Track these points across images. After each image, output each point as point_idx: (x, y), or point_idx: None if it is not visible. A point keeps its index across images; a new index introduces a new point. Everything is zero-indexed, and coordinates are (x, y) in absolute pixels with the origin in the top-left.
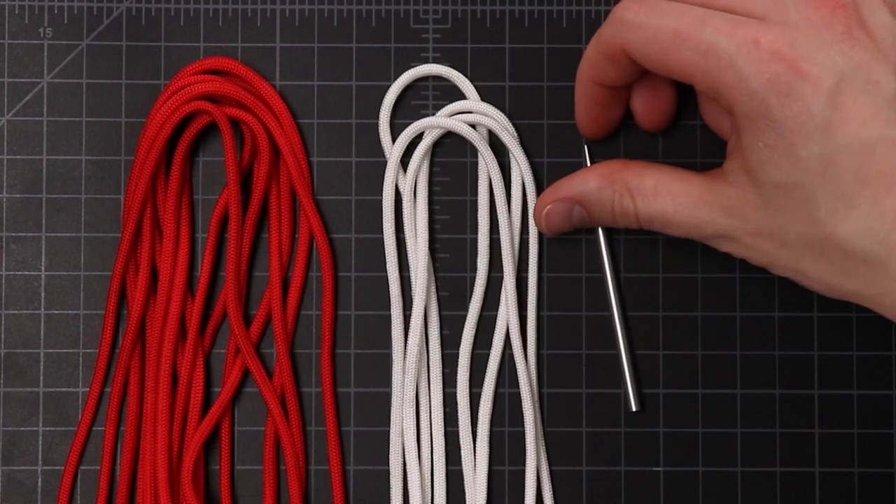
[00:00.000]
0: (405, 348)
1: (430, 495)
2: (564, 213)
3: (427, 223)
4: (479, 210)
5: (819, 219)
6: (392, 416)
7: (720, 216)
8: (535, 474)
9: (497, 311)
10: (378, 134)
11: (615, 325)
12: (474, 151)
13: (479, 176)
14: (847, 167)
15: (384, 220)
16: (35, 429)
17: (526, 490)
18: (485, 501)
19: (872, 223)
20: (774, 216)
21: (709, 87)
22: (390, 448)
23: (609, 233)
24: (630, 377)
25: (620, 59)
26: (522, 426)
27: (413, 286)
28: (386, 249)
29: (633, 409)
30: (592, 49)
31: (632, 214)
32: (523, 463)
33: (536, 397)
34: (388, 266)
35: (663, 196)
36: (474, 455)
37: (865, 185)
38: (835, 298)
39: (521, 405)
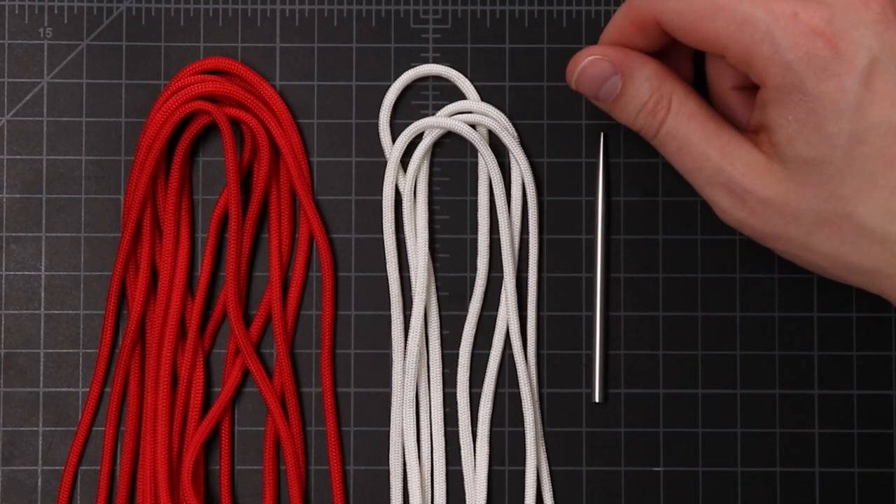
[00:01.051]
0: (405, 348)
1: (430, 495)
2: (602, 76)
3: (427, 223)
4: (479, 210)
5: (841, 196)
6: (392, 416)
7: (738, 172)
8: (535, 474)
9: (497, 311)
10: (378, 134)
11: (595, 317)
12: (474, 151)
13: (479, 176)
14: (875, 147)
15: (384, 220)
16: (35, 429)
17: (526, 490)
18: (485, 501)
19: (893, 205)
20: (795, 190)
21: (742, 58)
22: (390, 448)
23: (608, 228)
24: (599, 368)
25: (650, 27)
26: (522, 426)
27: (413, 286)
28: (386, 249)
29: (596, 400)
30: (621, 17)
31: (657, 123)
32: (523, 463)
33: (536, 397)
34: (388, 266)
35: (696, 124)
36: (474, 455)
37: (891, 167)
38: (835, 279)
39: (520, 405)
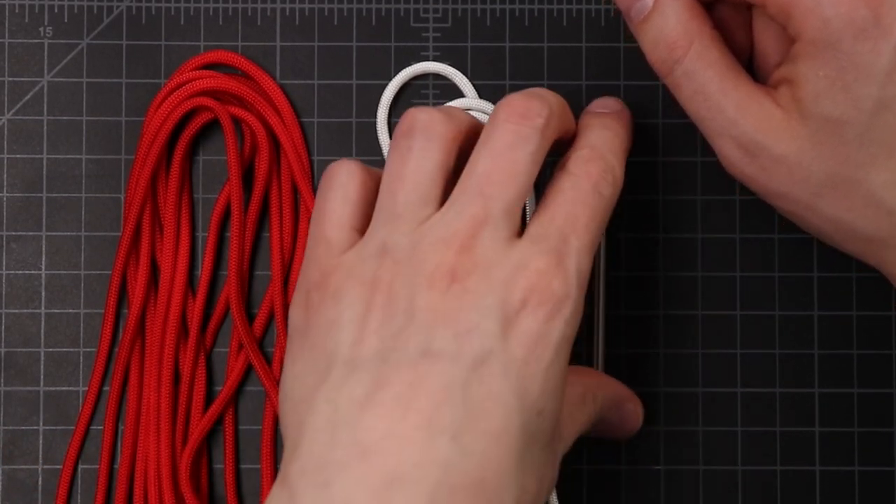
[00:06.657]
0: None
1: None
2: None
3: None
4: None
5: (856, 161)
6: None
7: (752, 127)
8: None
9: None
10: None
11: (596, 315)
12: None
13: None
14: None
15: None
16: (35, 428)
17: None
18: None
19: None
20: (810, 149)
21: (782, 8)
22: None
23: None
24: (600, 367)
25: None
26: None
27: None
28: None
29: None
30: None
31: (673, 60)
32: None
33: None
34: None
35: (714, 72)
36: None
37: None
38: (834, 245)
39: None
